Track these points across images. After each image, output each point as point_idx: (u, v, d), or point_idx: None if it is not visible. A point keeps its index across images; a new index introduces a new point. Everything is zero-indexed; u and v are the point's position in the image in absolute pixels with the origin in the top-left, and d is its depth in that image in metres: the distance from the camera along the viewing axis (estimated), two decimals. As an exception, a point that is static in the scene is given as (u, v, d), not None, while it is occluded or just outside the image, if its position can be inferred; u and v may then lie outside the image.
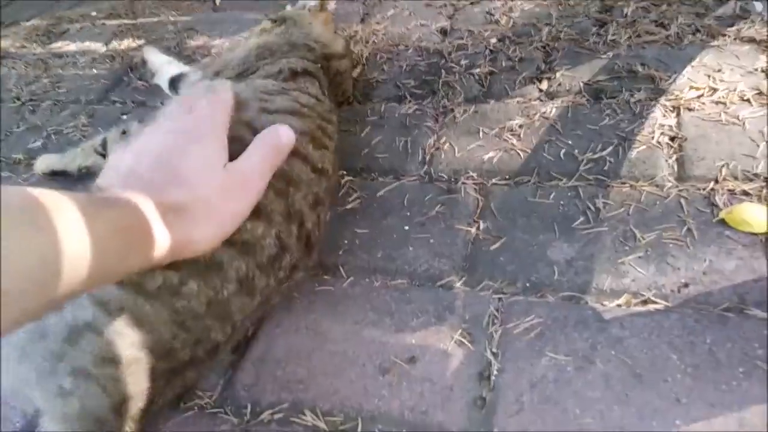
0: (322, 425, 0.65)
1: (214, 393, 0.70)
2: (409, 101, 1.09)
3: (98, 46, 1.53)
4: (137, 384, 0.60)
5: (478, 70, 1.12)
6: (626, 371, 0.64)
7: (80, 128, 1.21)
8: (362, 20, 1.38)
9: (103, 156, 1.00)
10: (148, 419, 0.65)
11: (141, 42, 1.49)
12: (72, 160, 1.03)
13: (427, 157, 0.96)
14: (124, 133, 0.99)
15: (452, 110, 1.04)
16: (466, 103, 1.06)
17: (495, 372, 0.67)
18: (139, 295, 0.62)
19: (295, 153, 0.77)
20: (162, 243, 0.48)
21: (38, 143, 1.20)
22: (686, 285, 0.71)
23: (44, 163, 1.05)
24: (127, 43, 1.51)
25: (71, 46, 1.56)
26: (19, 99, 1.37)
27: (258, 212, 0.69)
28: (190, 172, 0.54)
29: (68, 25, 1.68)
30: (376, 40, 1.28)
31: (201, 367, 0.66)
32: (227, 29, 1.46)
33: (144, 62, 1.32)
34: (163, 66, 1.25)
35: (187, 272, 0.63)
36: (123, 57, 1.43)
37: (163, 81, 1.23)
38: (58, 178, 1.05)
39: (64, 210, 0.39)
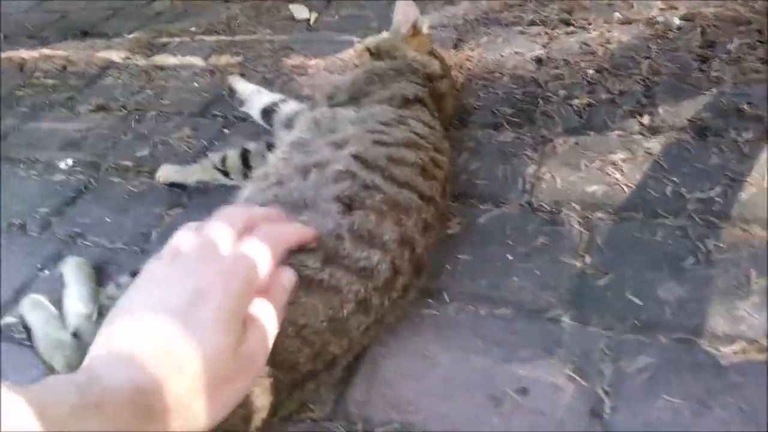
0: (433, 448, 0.67)
1: (326, 407, 0.73)
2: (507, 129, 1.10)
3: (198, 61, 1.61)
4: (264, 396, 0.63)
5: (576, 101, 1.13)
6: (745, 420, 0.64)
7: (185, 140, 1.28)
8: (455, 46, 1.41)
9: (223, 173, 1.06)
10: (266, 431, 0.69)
11: (239, 59, 1.56)
12: (191, 174, 1.09)
13: (528, 186, 0.97)
14: (245, 152, 1.04)
15: (551, 140, 1.05)
16: (566, 134, 1.07)
17: (608, 410, 0.67)
18: None
19: (404, 184, 0.81)
20: None
21: (146, 152, 1.27)
22: (807, 335, 0.70)
23: (165, 173, 1.11)
24: (225, 59, 1.58)
25: (172, 60, 1.65)
26: (125, 108, 1.46)
27: (373, 242, 0.73)
28: (197, 356, 0.50)
29: (168, 39, 1.77)
30: (470, 67, 1.31)
31: (319, 379, 0.69)
32: (322, 49, 1.51)
33: (232, 91, 1.35)
34: (253, 95, 1.28)
35: (306, 292, 0.67)
36: (222, 72, 1.50)
37: (254, 111, 1.26)
38: (175, 189, 1.11)
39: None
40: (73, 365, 0.73)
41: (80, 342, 0.76)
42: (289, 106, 1.16)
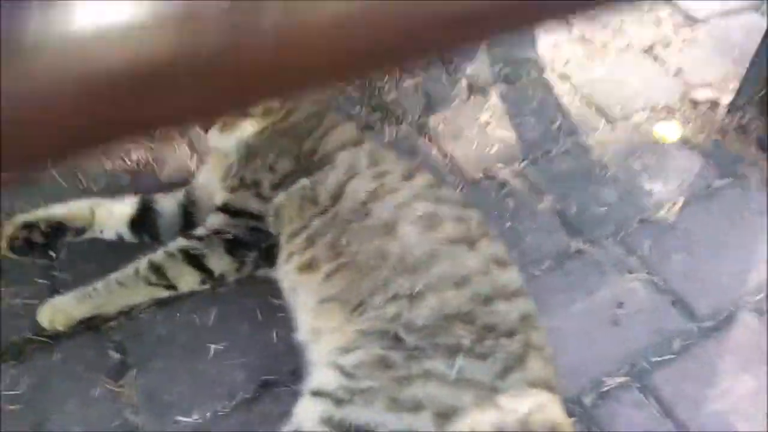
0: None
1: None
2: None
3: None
4: None
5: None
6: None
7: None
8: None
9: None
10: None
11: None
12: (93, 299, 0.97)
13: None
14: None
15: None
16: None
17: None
18: None
19: None
20: None
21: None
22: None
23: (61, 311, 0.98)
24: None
25: None
26: None
27: None
28: None
29: None
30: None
31: None
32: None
33: (55, 224, 1.00)
34: (101, 212, 1.01)
35: None
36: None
37: (119, 227, 1.01)
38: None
39: None
40: None
41: None
42: (172, 202, 1.01)
